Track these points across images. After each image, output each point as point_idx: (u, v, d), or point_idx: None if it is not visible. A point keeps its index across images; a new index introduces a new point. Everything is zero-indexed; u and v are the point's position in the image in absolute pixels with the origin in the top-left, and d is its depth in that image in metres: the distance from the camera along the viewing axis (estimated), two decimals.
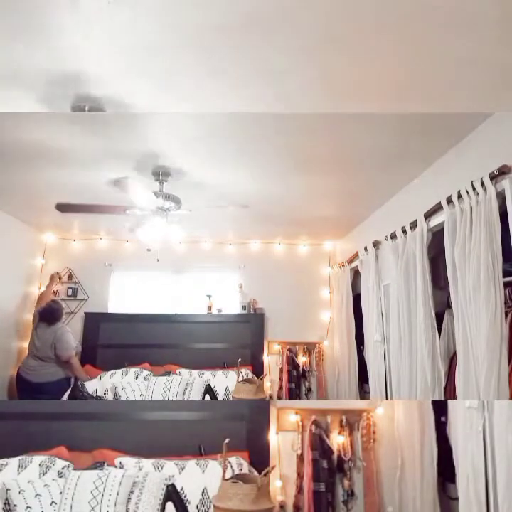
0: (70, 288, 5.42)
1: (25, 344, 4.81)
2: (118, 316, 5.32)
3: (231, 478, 2.40)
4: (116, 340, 5.15)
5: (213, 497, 2.39)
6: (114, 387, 4.24)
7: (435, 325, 2.79)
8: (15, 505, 2.34)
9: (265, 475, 2.36)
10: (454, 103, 2.18)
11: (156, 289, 5.61)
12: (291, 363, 5.29)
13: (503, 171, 2.14)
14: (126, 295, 5.58)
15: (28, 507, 2.35)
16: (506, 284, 2.27)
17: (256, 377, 4.17)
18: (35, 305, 4.91)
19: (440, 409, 2.79)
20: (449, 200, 2.55)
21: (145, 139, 2.73)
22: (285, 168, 3.19)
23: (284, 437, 2.97)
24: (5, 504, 2.33)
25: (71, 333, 4.69)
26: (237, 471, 2.67)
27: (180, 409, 3.24)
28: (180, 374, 4.62)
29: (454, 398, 2.50)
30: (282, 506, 2.85)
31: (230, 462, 2.68)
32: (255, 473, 2.68)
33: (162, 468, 2.67)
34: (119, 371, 4.63)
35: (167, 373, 4.61)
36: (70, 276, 5.43)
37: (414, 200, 3.20)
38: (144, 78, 2.05)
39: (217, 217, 4.38)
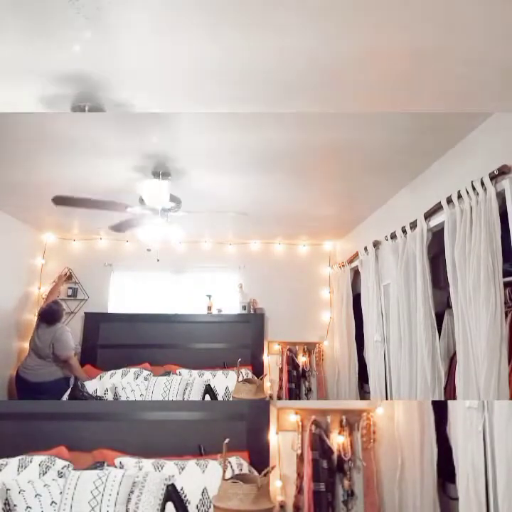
0: (70, 288, 5.42)
1: (26, 344, 4.81)
2: (118, 316, 5.32)
3: (231, 478, 2.40)
4: (116, 340, 5.14)
5: (213, 497, 2.39)
6: (114, 387, 4.24)
7: (435, 325, 2.79)
8: (15, 505, 2.34)
9: (265, 475, 2.36)
10: (454, 103, 2.18)
11: (156, 289, 5.61)
12: (291, 363, 5.29)
13: (503, 171, 2.14)
14: (126, 295, 5.58)
15: (28, 507, 2.35)
16: (506, 284, 2.27)
17: (256, 377, 4.17)
18: (43, 302, 4.93)
19: (440, 409, 2.78)
20: (449, 200, 2.55)
21: (145, 138, 2.73)
22: (285, 168, 3.19)
23: (284, 437, 2.97)
24: (5, 504, 2.33)
25: (71, 333, 4.69)
26: (237, 471, 2.67)
27: (180, 409, 3.24)
28: (180, 374, 4.62)
29: (454, 398, 2.50)
30: (282, 506, 2.85)
31: (230, 462, 2.68)
32: (255, 473, 2.68)
33: (162, 468, 2.67)
34: (119, 371, 4.63)
35: (167, 373, 4.61)
36: (70, 276, 5.43)
37: (414, 200, 3.20)
38: (144, 78, 2.05)
39: (217, 217, 4.37)
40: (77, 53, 1.84)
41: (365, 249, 4.15)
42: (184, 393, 4.15)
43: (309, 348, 5.43)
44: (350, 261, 4.79)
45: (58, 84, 2.05)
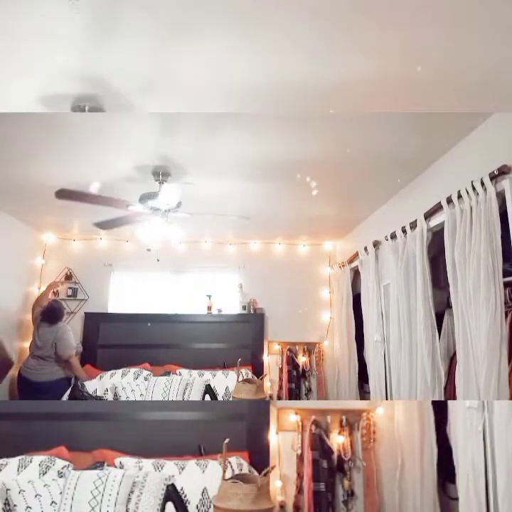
0: (70, 288, 5.42)
1: (26, 344, 4.81)
2: (118, 316, 5.32)
3: (231, 478, 2.40)
4: (116, 340, 5.14)
5: (213, 497, 2.38)
6: (114, 387, 4.24)
7: (435, 325, 2.79)
8: (15, 505, 2.34)
9: (265, 475, 2.36)
10: (454, 103, 2.18)
11: (156, 289, 5.61)
12: (291, 363, 5.28)
13: (503, 171, 2.14)
14: (126, 295, 5.58)
15: (28, 507, 2.35)
16: (506, 284, 2.27)
17: (256, 377, 4.17)
18: (32, 306, 4.90)
19: (440, 409, 2.78)
20: (449, 200, 2.55)
21: (145, 138, 2.73)
22: (285, 168, 3.19)
23: (284, 437, 2.97)
24: (5, 504, 2.33)
25: (72, 332, 4.69)
26: (237, 471, 2.67)
27: (180, 409, 3.24)
28: (180, 374, 4.62)
29: (454, 398, 2.50)
30: (282, 506, 2.85)
31: (230, 462, 2.68)
32: (255, 473, 2.68)
33: (162, 468, 2.67)
34: (119, 371, 4.63)
35: (167, 373, 4.61)
36: (70, 277, 5.43)
37: (414, 200, 3.20)
38: (144, 78, 2.05)
39: (217, 216, 4.37)
40: (77, 53, 1.84)
41: (365, 249, 4.15)
42: (184, 393, 4.15)
43: (309, 348, 5.43)
44: (350, 261, 4.79)
45: (58, 84, 2.05)
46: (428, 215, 2.86)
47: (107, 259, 5.54)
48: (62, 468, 2.63)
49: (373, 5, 1.58)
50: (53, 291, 5.21)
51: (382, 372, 3.68)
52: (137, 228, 3.67)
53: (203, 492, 2.56)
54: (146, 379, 4.43)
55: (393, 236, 3.40)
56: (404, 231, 3.20)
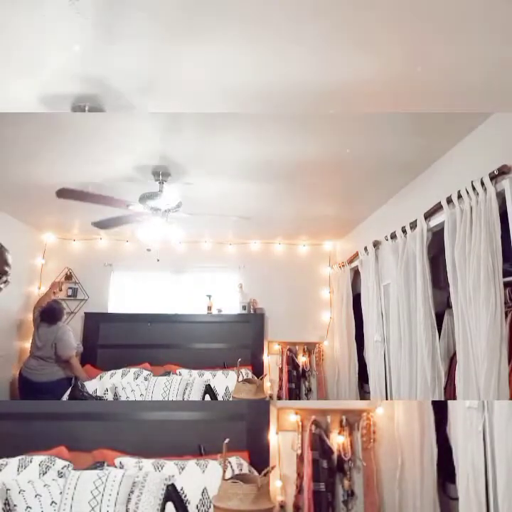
0: (70, 288, 5.41)
1: (26, 344, 4.82)
2: (118, 316, 5.32)
3: (231, 478, 2.40)
4: (116, 340, 5.14)
5: (213, 497, 2.38)
6: (114, 387, 4.24)
7: (435, 325, 2.79)
8: (15, 505, 2.34)
9: (265, 475, 2.36)
10: (454, 103, 2.18)
11: (156, 289, 5.61)
12: (291, 363, 5.28)
13: (503, 171, 2.14)
14: (126, 295, 5.57)
15: (28, 507, 2.35)
16: (506, 284, 2.27)
17: (256, 377, 4.17)
18: (33, 307, 4.91)
19: (440, 409, 2.78)
20: (449, 200, 2.55)
21: (145, 138, 2.73)
22: (286, 168, 3.19)
23: (284, 437, 2.96)
24: (5, 504, 2.33)
25: (72, 332, 4.69)
26: (237, 471, 2.67)
27: (180, 409, 3.24)
28: (180, 374, 4.62)
29: (454, 398, 2.50)
30: (282, 506, 2.85)
31: (230, 462, 2.68)
32: (255, 473, 2.68)
33: (162, 468, 2.67)
34: (119, 371, 4.63)
35: (167, 373, 4.60)
36: (70, 277, 5.43)
37: (414, 200, 3.20)
38: (144, 78, 2.05)
39: (217, 217, 4.37)
40: (77, 53, 1.84)
41: (365, 249, 4.15)
42: (184, 393, 4.15)
43: (309, 348, 5.42)
44: (350, 261, 4.79)
45: (58, 84, 2.05)
46: (428, 215, 2.86)
47: (107, 259, 5.54)
48: (62, 468, 2.63)
49: (373, 5, 1.58)
50: (54, 291, 5.21)
51: (382, 372, 3.68)
52: (137, 228, 3.67)
53: (203, 492, 2.56)
54: (146, 379, 4.43)
55: (393, 236, 3.40)
56: (404, 231, 3.20)
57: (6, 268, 1.66)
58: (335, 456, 2.91)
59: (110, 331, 5.20)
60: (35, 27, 1.69)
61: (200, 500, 2.54)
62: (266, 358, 5.29)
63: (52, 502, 2.38)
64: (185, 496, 2.53)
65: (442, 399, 2.72)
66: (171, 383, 4.21)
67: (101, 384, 4.26)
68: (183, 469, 2.67)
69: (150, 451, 2.81)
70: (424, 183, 3.12)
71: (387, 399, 3.53)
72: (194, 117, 2.41)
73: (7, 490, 2.37)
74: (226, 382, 4.49)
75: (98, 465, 2.69)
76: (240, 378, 3.87)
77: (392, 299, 3.40)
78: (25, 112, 2.26)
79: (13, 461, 2.62)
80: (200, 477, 2.62)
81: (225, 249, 5.67)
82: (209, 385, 4.23)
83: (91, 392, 4.04)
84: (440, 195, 2.66)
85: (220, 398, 4.24)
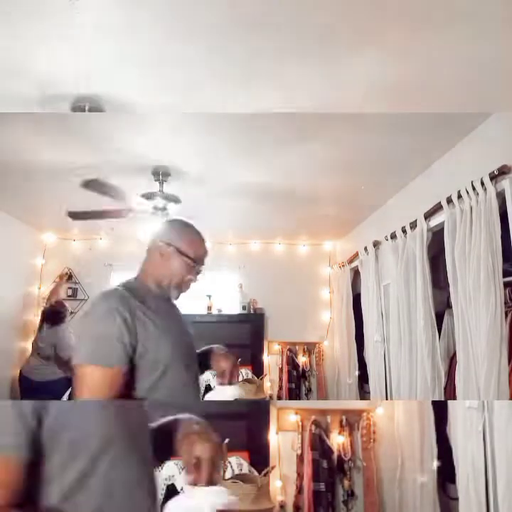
0: (70, 288, 5.41)
1: (26, 344, 4.82)
2: None
3: (231, 478, 2.40)
4: None
5: None
6: None
7: (435, 325, 2.79)
8: None
9: (265, 475, 2.36)
10: (454, 103, 2.18)
11: None
12: (291, 363, 5.28)
13: (503, 171, 2.14)
14: None
15: None
16: (506, 284, 2.27)
17: (256, 377, 4.16)
18: (45, 302, 4.92)
19: (440, 409, 2.78)
20: (449, 200, 2.55)
21: (145, 138, 2.73)
22: (286, 168, 3.19)
23: (284, 437, 2.96)
24: None
25: (73, 334, 4.70)
26: (237, 471, 2.67)
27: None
28: None
29: (454, 398, 2.50)
30: (282, 506, 2.85)
31: (230, 462, 2.68)
32: (255, 473, 2.68)
33: (162, 468, 2.67)
34: None
35: None
36: (70, 276, 5.43)
37: (414, 200, 3.19)
38: (144, 78, 2.06)
39: (217, 217, 4.38)
40: (77, 53, 1.84)
41: (365, 249, 4.15)
42: None
43: (309, 348, 5.42)
44: (350, 261, 4.79)
45: (58, 84, 2.05)
46: (428, 215, 2.86)
47: (107, 259, 5.53)
48: None
49: (373, 6, 1.58)
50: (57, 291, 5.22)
51: (382, 372, 3.68)
52: (137, 228, 3.67)
53: None
54: None
55: (393, 236, 3.40)
56: (404, 231, 3.20)
57: None
58: (335, 456, 2.91)
59: None
60: (35, 26, 1.69)
61: None
62: (266, 358, 5.28)
63: None
64: None
65: (442, 399, 2.72)
66: None
67: None
68: (183, 469, 2.67)
69: None
70: (424, 183, 3.12)
71: (387, 399, 3.52)
72: (194, 117, 2.41)
73: None
74: None
75: None
76: (240, 378, 3.86)
77: (392, 299, 3.39)
78: (25, 112, 2.26)
79: None
80: None
81: (225, 249, 5.67)
82: (209, 385, 4.23)
83: None
84: (440, 195, 2.66)
85: None
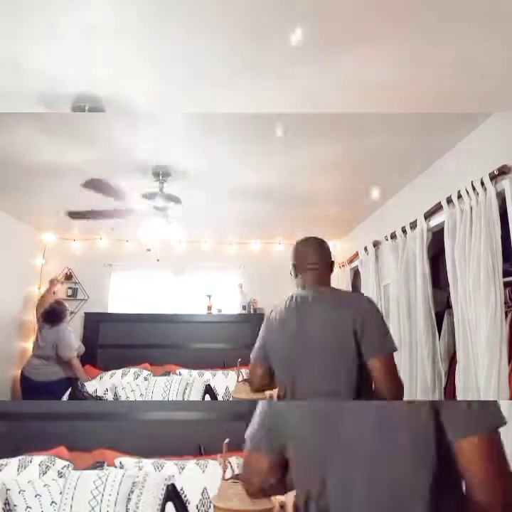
0: (70, 288, 5.42)
1: (27, 344, 4.82)
2: (118, 316, 5.31)
3: (231, 478, 2.40)
4: (116, 340, 5.14)
5: (213, 497, 2.38)
6: (114, 387, 4.24)
7: (435, 325, 2.79)
8: (15, 505, 2.34)
9: None
10: (454, 103, 2.18)
11: (156, 289, 5.61)
12: None
13: (503, 171, 2.14)
14: (126, 295, 5.58)
15: (28, 507, 2.34)
16: (506, 284, 2.27)
17: None
18: (36, 307, 4.91)
19: None
20: (449, 200, 2.55)
21: (145, 139, 2.73)
22: (286, 168, 3.19)
23: None
24: (5, 504, 2.33)
25: (73, 333, 4.70)
26: (237, 471, 2.67)
27: (180, 409, 3.24)
28: (180, 374, 4.61)
29: (454, 398, 2.50)
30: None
31: (230, 462, 2.68)
32: None
33: (162, 468, 2.67)
34: (119, 371, 4.62)
35: (167, 373, 4.60)
36: (70, 277, 5.43)
37: (414, 200, 3.20)
38: (144, 78, 2.05)
39: (217, 217, 4.38)
40: (77, 53, 1.84)
41: (365, 249, 4.15)
42: (184, 393, 4.15)
43: None
44: (350, 261, 4.79)
45: (58, 84, 2.05)
46: (428, 215, 2.86)
47: (107, 259, 5.53)
48: (62, 468, 2.63)
49: (374, 6, 1.58)
50: (54, 291, 5.21)
51: None
52: (137, 228, 3.67)
53: (202, 492, 2.55)
54: (146, 379, 4.43)
55: (393, 236, 3.40)
56: (404, 231, 3.20)
57: None
58: None
59: (110, 330, 5.19)
60: (35, 27, 1.69)
61: (200, 500, 2.53)
62: None
63: (52, 502, 2.38)
64: (185, 496, 2.52)
65: (442, 399, 2.72)
66: (171, 383, 4.21)
67: (101, 384, 4.26)
68: (183, 469, 2.67)
69: (150, 451, 2.80)
70: (424, 183, 3.12)
71: None
72: (194, 117, 2.41)
73: (7, 490, 2.37)
74: (226, 382, 4.49)
75: (98, 465, 2.69)
76: (240, 378, 3.86)
77: (392, 299, 3.40)
78: (25, 112, 2.26)
79: (13, 461, 2.62)
80: (200, 477, 2.62)
81: (225, 249, 5.67)
82: (209, 385, 4.23)
83: (91, 392, 4.04)
84: (440, 195, 2.66)
85: (220, 398, 4.23)
